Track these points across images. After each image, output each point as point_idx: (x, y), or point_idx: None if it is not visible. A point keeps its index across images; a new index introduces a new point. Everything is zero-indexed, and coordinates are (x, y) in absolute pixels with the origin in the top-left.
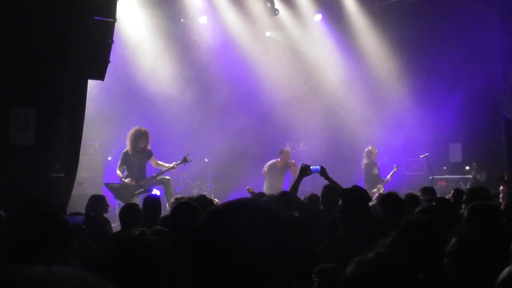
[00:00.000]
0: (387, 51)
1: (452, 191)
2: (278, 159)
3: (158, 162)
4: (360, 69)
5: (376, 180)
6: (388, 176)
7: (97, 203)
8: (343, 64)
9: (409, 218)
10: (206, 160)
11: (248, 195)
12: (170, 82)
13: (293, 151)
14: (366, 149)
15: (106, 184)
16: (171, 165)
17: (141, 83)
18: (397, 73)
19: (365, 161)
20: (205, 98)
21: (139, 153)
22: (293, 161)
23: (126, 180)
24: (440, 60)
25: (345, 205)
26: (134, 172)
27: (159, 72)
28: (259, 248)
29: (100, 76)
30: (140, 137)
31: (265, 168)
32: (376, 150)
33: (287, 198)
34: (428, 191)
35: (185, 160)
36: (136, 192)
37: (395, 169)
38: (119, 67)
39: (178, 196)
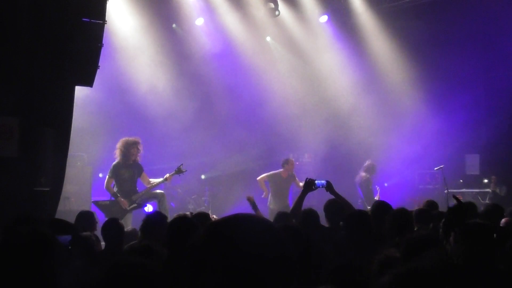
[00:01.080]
0: (398, 55)
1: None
2: (282, 170)
3: (150, 180)
4: (369, 75)
5: (372, 195)
6: (376, 197)
7: (86, 220)
8: (351, 70)
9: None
10: (202, 177)
11: (247, 206)
12: (165, 92)
13: (297, 163)
14: (368, 163)
15: (95, 202)
16: (164, 177)
17: (134, 93)
18: (409, 79)
19: (365, 174)
20: (202, 109)
21: (130, 166)
22: (293, 173)
23: (121, 199)
24: (456, 65)
25: None
26: (125, 187)
27: (153, 80)
28: (260, 261)
29: (88, 82)
30: (132, 146)
31: (264, 177)
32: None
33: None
34: (432, 205)
35: (179, 171)
36: (128, 209)
37: (378, 190)
38: (109, 74)
39: (180, 213)
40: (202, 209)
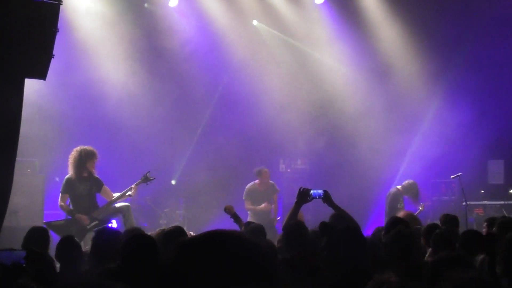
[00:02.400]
0: (409, 45)
1: (485, 223)
2: (257, 181)
3: (114, 194)
4: (375, 68)
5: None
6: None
7: (38, 237)
8: (351, 61)
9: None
10: (172, 182)
11: (229, 220)
12: (134, 89)
13: (289, 170)
14: (408, 181)
15: (47, 224)
16: (127, 188)
17: (96, 89)
18: (423, 74)
19: (394, 190)
20: (176, 106)
21: (86, 179)
22: (274, 184)
23: (78, 216)
24: (480, 57)
25: None
26: (83, 203)
27: (119, 75)
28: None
29: (40, 73)
30: (87, 158)
31: (245, 196)
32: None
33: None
34: (450, 221)
35: (146, 179)
36: (88, 227)
37: (421, 209)
38: (65, 67)
39: (136, 228)
40: (176, 224)
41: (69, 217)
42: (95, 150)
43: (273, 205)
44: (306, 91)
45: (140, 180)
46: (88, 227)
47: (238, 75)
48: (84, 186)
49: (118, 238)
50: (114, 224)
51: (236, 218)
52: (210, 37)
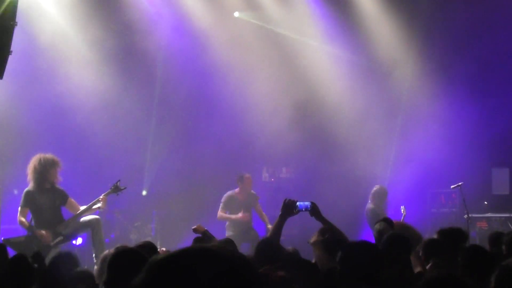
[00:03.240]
0: (406, 41)
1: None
2: (237, 190)
3: (81, 207)
4: (368, 66)
5: None
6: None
7: None
8: (342, 58)
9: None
10: (144, 193)
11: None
12: (103, 92)
13: (272, 179)
14: (373, 190)
15: (6, 241)
16: (97, 199)
17: (59, 91)
18: (421, 73)
19: (370, 205)
20: (145, 105)
21: (48, 191)
22: (254, 192)
23: (39, 232)
24: (486, 55)
25: None
26: (46, 217)
27: (86, 78)
28: None
29: None
30: (50, 167)
31: (221, 204)
32: (386, 190)
33: (270, 248)
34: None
35: (116, 189)
36: (52, 244)
37: (404, 213)
38: (25, 65)
39: (121, 245)
40: (148, 239)
41: (30, 234)
42: (56, 158)
43: (263, 214)
44: (292, 94)
45: (109, 190)
46: (51, 243)
47: (219, 77)
48: (46, 198)
49: (74, 263)
50: (79, 241)
51: (208, 237)
52: (188, 34)
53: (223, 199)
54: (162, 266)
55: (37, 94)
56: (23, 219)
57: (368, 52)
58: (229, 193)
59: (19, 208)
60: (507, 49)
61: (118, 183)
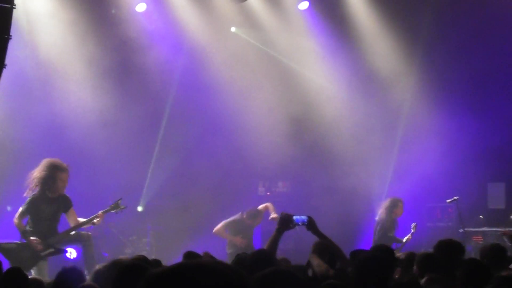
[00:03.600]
0: (403, 53)
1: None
2: (245, 217)
3: (79, 219)
4: (362, 78)
5: (390, 242)
6: (407, 237)
7: None
8: (339, 72)
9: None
10: (139, 209)
11: (200, 249)
12: (98, 107)
13: (268, 193)
14: (389, 201)
15: None
16: (95, 215)
17: (54, 105)
18: (417, 83)
19: (383, 216)
20: (143, 122)
21: (54, 200)
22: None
23: (32, 239)
24: (480, 65)
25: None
26: (42, 227)
27: (81, 93)
28: None
29: None
30: (61, 173)
31: (222, 226)
32: (399, 202)
33: (267, 258)
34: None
35: (116, 207)
36: (42, 254)
37: (413, 230)
38: (21, 80)
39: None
40: (143, 254)
41: (23, 241)
42: (67, 166)
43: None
44: (289, 108)
45: (109, 208)
46: (42, 254)
47: (216, 93)
48: (50, 207)
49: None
50: (73, 253)
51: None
52: (186, 50)
53: (228, 220)
54: (160, 280)
55: (33, 111)
56: (19, 222)
57: (366, 66)
58: (235, 217)
59: (20, 210)
60: (504, 63)
61: (119, 202)
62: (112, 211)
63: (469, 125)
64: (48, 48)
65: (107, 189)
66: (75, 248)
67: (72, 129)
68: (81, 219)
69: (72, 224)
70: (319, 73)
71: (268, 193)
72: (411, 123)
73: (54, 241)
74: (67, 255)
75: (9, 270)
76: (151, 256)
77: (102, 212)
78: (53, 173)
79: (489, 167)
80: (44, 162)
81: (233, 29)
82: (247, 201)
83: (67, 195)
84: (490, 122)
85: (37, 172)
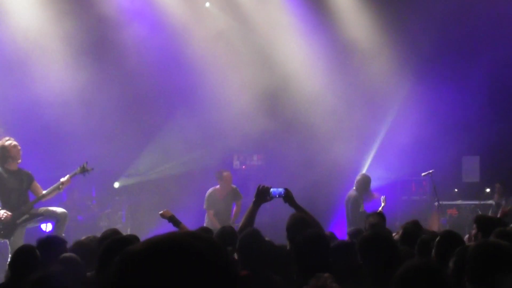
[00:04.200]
0: (378, 25)
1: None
2: (217, 187)
3: (43, 191)
4: (341, 52)
5: (361, 217)
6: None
7: None
8: (317, 46)
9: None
10: (116, 185)
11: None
12: (73, 80)
13: (243, 166)
14: (357, 178)
15: None
16: (63, 179)
17: (30, 82)
18: (395, 56)
19: (353, 193)
20: (120, 100)
21: (15, 173)
22: (234, 187)
23: (1, 213)
24: (450, 38)
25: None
26: (13, 198)
27: (55, 65)
28: None
29: None
30: (13, 148)
31: (205, 202)
32: (369, 178)
33: (253, 240)
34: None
35: (83, 170)
36: (18, 222)
37: (383, 203)
38: None
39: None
40: (118, 227)
41: None
42: (14, 142)
43: (235, 209)
44: (265, 82)
45: (76, 171)
46: (18, 221)
47: (192, 69)
48: (14, 180)
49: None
50: (49, 226)
51: (175, 222)
52: (161, 27)
53: (206, 199)
54: (136, 257)
55: (9, 90)
56: None
57: (344, 39)
58: (210, 190)
59: None
60: (487, 34)
61: (85, 164)
62: (80, 173)
63: (447, 97)
64: (23, 27)
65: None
66: (51, 223)
67: (49, 107)
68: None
69: (36, 194)
70: (296, 48)
71: (243, 166)
72: (391, 96)
73: (26, 209)
74: (43, 227)
75: (19, 250)
76: (127, 229)
77: (69, 176)
78: (6, 149)
79: (464, 140)
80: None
81: (207, 4)
82: (231, 182)
83: (27, 170)
84: (467, 95)
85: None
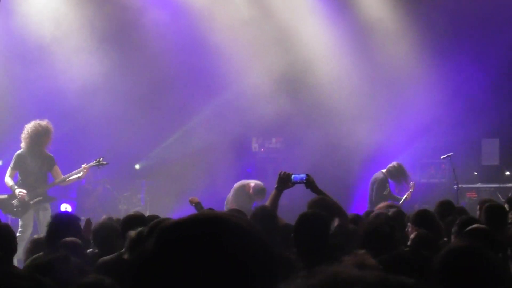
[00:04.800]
0: (397, 7)
1: (478, 205)
2: (252, 185)
3: (63, 175)
4: (363, 33)
5: (385, 200)
6: (405, 196)
7: None
8: (337, 29)
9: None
10: (137, 167)
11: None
12: (94, 65)
13: (262, 149)
14: (395, 164)
15: None
16: (79, 168)
17: (50, 65)
18: (410, 40)
19: (380, 175)
20: (143, 85)
21: (38, 157)
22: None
23: (17, 191)
24: (470, 21)
25: None
26: (30, 180)
27: (77, 52)
28: (236, 274)
29: None
30: (43, 135)
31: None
32: (405, 169)
33: (269, 216)
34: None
35: (98, 163)
36: (31, 202)
37: (412, 189)
38: (20, 41)
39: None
40: (137, 209)
41: (11, 192)
42: (50, 125)
43: None
44: (283, 62)
45: (92, 163)
46: (31, 202)
47: (212, 52)
48: (36, 163)
49: (76, 223)
50: (68, 208)
51: (200, 208)
52: (182, 12)
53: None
54: (173, 231)
55: (32, 76)
56: (9, 180)
57: (365, 19)
58: (241, 184)
59: (9, 169)
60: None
61: (101, 159)
62: (95, 166)
63: (467, 79)
64: (45, 14)
65: (103, 145)
66: (70, 203)
67: (71, 94)
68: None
69: (56, 179)
70: (319, 30)
71: (262, 149)
72: (412, 77)
73: (42, 191)
74: (62, 209)
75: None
76: (145, 212)
77: (87, 165)
78: (38, 134)
79: (484, 123)
80: (31, 123)
81: None
82: (242, 158)
83: (50, 154)
84: (487, 77)
85: (24, 132)
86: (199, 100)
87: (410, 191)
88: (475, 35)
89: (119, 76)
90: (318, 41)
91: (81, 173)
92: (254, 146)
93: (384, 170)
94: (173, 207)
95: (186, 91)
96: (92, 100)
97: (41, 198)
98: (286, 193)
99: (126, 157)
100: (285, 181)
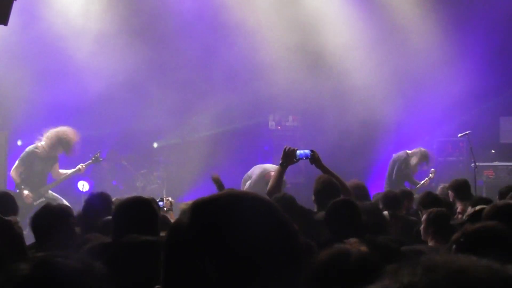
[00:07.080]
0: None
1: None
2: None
3: (61, 171)
4: (379, 19)
5: (403, 180)
6: (423, 181)
7: (4, 202)
8: (363, 16)
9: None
10: (155, 145)
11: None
12: (105, 37)
13: (279, 127)
14: (422, 150)
15: None
16: (76, 168)
17: (66, 40)
18: (428, 19)
19: (404, 154)
20: (151, 57)
21: (47, 159)
22: None
23: (25, 193)
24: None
25: None
26: (34, 179)
27: (107, 48)
28: (264, 250)
29: (1, 18)
30: (64, 145)
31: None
32: (429, 155)
33: (290, 203)
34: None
35: (95, 160)
36: (35, 203)
37: (432, 175)
38: (48, 35)
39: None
40: (154, 187)
41: (16, 191)
42: (75, 137)
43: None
44: (307, 44)
45: (90, 161)
46: (34, 203)
47: (229, 32)
48: (43, 163)
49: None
50: (86, 186)
51: (220, 187)
52: None
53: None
54: (209, 206)
55: (62, 71)
56: (16, 177)
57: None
58: (263, 170)
59: (16, 163)
60: None
61: (98, 154)
62: (93, 163)
63: (485, 57)
64: (76, 9)
65: (122, 123)
66: (87, 180)
67: (99, 90)
68: (63, 170)
69: (54, 177)
70: (345, 14)
71: (279, 127)
72: (432, 56)
73: (44, 191)
74: (80, 187)
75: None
76: (162, 190)
77: (83, 165)
78: (61, 142)
79: (502, 101)
80: (63, 130)
81: None
82: (259, 136)
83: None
84: (505, 54)
85: (48, 136)
86: (218, 79)
87: (430, 177)
88: (492, 13)
89: (139, 61)
90: (345, 25)
91: (77, 170)
92: (271, 123)
93: (409, 151)
94: (190, 185)
95: (205, 71)
96: (118, 96)
97: (43, 199)
98: (303, 170)
99: (145, 135)
100: (289, 157)
